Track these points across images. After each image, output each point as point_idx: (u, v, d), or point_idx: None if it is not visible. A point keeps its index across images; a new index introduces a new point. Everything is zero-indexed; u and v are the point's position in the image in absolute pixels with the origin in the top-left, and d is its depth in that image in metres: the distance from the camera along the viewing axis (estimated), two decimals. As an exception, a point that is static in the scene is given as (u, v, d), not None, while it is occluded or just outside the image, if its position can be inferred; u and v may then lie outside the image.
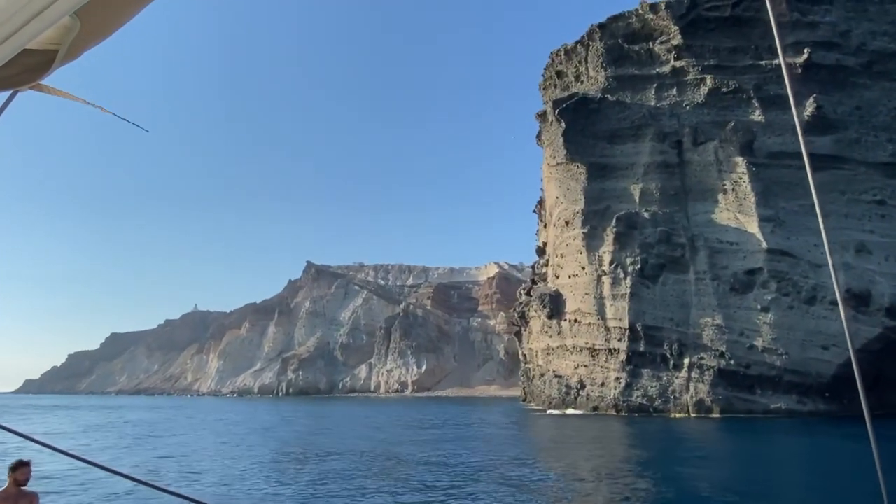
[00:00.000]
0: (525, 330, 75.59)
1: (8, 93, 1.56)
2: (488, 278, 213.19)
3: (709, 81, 55.44)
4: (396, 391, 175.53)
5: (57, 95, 1.68)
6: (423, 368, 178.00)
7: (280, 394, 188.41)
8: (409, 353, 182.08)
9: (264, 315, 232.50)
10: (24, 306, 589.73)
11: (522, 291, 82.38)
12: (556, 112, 57.77)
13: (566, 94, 63.37)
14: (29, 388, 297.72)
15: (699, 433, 39.31)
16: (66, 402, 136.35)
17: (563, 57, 65.61)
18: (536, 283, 67.48)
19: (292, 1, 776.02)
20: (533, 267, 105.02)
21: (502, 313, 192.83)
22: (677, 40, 56.91)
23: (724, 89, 54.72)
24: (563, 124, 57.71)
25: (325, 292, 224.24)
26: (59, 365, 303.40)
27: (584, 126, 57.50)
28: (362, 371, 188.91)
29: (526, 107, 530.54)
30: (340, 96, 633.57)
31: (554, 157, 60.82)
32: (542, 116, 64.81)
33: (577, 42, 63.97)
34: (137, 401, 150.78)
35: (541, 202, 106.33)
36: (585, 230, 54.68)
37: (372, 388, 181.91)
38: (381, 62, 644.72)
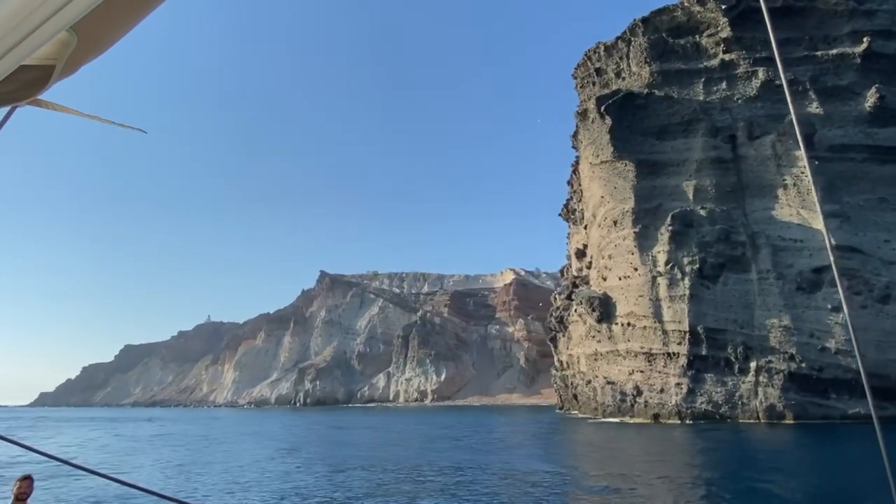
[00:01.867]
0: (563, 335, 73.30)
1: (6, 108, 1.55)
2: (505, 285, 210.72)
3: (761, 74, 53.51)
4: (416, 400, 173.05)
5: (55, 110, 1.67)
6: (443, 377, 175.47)
7: (297, 404, 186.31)
8: (427, 361, 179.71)
9: (279, 325, 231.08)
10: (38, 319, 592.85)
11: (558, 296, 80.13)
12: (602, 109, 55.94)
13: (606, 91, 61.67)
14: (44, 400, 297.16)
15: (779, 441, 37.06)
16: (93, 414, 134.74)
17: (602, 53, 63.87)
18: (578, 287, 65.28)
19: (311, 6, 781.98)
20: (562, 271, 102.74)
21: (521, 320, 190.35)
22: (726, 33, 55.08)
23: (777, 82, 52.73)
24: (609, 121, 55.89)
25: (341, 301, 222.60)
26: (73, 377, 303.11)
27: (632, 122, 55.64)
28: (380, 380, 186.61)
29: (541, 111, 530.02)
30: (348, 106, 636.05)
31: (597, 156, 58.91)
32: (581, 115, 63.00)
33: (617, 38, 62.27)
34: (161, 413, 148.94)
35: (567, 205, 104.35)
36: (637, 230, 52.63)
37: (391, 398, 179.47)
38: (394, 68, 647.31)
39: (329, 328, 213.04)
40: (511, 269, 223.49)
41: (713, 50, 56.09)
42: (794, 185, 48.58)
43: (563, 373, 77.99)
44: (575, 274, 67.74)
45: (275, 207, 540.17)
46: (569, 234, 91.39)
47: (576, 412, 67.90)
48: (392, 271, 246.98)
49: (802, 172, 48.40)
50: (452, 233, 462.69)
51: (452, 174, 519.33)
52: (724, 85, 55.04)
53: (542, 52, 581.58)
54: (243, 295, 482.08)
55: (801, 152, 48.42)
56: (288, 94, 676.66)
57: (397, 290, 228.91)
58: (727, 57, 55.05)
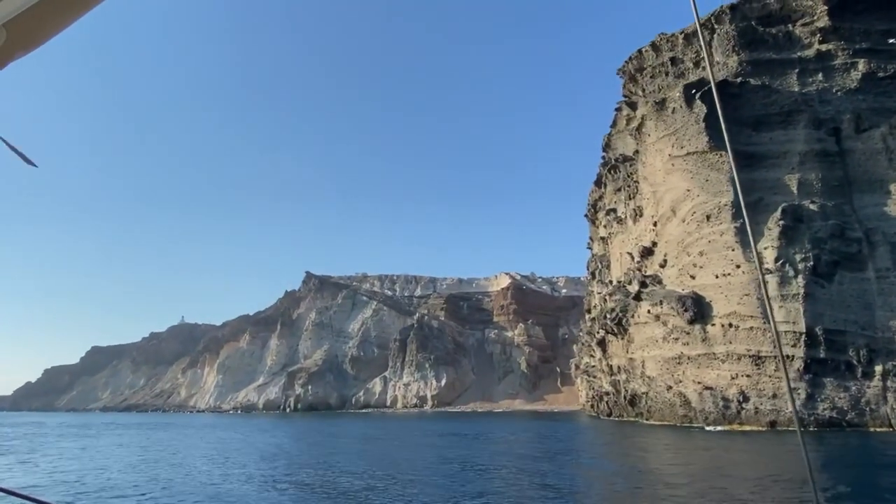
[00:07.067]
0: (620, 338, 69.78)
1: None
2: (502, 289, 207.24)
3: (861, 66, 51.37)
4: (415, 406, 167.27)
5: None
6: (443, 382, 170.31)
7: (287, 409, 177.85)
8: (427, 366, 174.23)
9: (263, 327, 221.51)
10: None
11: (609, 297, 76.71)
12: (698, 96, 52.87)
13: (683, 81, 58.83)
14: (2, 405, 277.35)
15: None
16: (78, 420, 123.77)
17: (680, 42, 61.01)
18: (647, 286, 61.79)
19: None
20: (593, 273, 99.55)
21: (521, 324, 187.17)
22: (823, 22, 52.88)
23: (880, 74, 50.69)
24: (703, 110, 52.84)
25: (331, 303, 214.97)
26: (34, 381, 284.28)
27: (725, 112, 52.25)
28: (377, 385, 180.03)
29: (537, 113, 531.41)
30: (333, 100, 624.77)
31: (682, 147, 55.71)
32: (659, 104, 59.76)
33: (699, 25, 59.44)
34: (151, 419, 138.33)
35: (595, 206, 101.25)
36: (737, 224, 49.50)
37: (388, 403, 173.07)
38: (386, 65, 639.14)
39: (319, 331, 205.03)
40: (506, 273, 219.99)
41: (808, 40, 53.80)
42: (909, 180, 46.36)
43: (614, 378, 74.47)
44: (643, 273, 64.13)
45: (252, 206, 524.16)
46: (609, 234, 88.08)
47: (651, 420, 63.52)
48: (383, 273, 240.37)
49: (919, 167, 46.24)
50: (442, 235, 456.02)
51: (440, 176, 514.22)
52: (819, 76, 52.71)
53: (539, 53, 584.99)
54: (219, 296, 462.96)
55: (917, 146, 46.24)
56: (272, 87, 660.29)
57: (389, 293, 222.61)
58: (824, 47, 52.80)
